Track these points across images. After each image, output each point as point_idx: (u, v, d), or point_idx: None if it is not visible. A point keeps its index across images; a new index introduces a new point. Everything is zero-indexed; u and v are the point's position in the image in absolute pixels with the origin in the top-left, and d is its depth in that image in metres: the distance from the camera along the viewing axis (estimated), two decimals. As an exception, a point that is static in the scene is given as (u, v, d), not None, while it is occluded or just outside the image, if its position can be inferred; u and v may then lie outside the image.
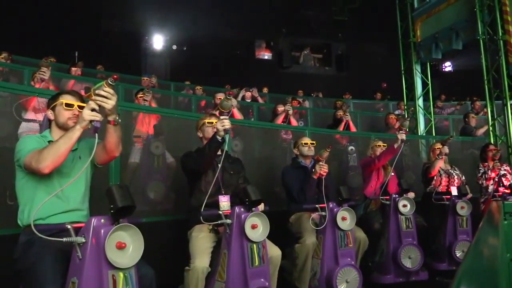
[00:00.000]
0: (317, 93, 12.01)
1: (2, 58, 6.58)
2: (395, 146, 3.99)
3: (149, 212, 3.73)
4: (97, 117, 1.96)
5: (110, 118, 2.06)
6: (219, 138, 2.77)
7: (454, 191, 4.29)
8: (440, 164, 4.52)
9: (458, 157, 6.25)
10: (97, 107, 1.96)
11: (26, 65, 6.52)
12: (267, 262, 2.60)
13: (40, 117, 3.49)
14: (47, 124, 2.39)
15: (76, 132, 2.00)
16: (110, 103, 1.97)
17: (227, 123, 2.74)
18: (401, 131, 4.00)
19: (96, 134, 1.97)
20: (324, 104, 10.85)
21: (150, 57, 13.35)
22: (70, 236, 1.82)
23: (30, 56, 7.95)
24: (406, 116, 8.13)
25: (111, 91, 1.96)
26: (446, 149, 4.42)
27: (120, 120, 2.11)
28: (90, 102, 1.97)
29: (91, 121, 1.97)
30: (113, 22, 11.96)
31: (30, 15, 10.14)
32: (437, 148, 4.65)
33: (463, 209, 4.12)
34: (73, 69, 7.18)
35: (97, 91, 1.97)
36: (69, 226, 1.85)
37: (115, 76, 1.96)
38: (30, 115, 3.61)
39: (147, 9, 11.95)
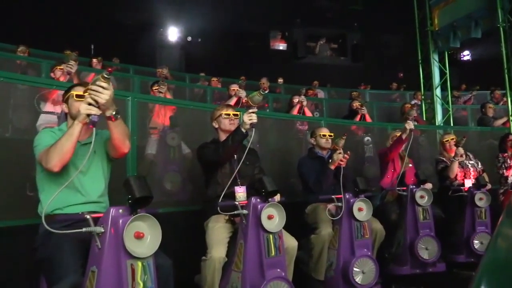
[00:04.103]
0: (333, 84, 11.92)
1: (20, 51, 6.68)
2: (403, 136, 3.94)
3: (166, 202, 3.76)
4: (93, 111, 1.93)
5: (107, 113, 2.00)
6: (243, 130, 2.77)
7: (468, 184, 4.21)
8: (457, 165, 4.40)
9: (476, 147, 6.14)
10: (93, 101, 1.93)
11: (43, 58, 6.61)
12: (283, 253, 2.61)
13: (58, 109, 3.54)
14: (64, 117, 2.43)
15: (76, 127, 2.01)
16: (103, 97, 1.91)
17: (254, 117, 2.73)
18: (408, 121, 3.95)
19: (94, 128, 1.95)
20: (339, 95, 10.76)
21: (165, 49, 13.39)
22: (89, 226, 1.85)
23: (47, 49, 8.05)
24: (419, 105, 8.04)
25: (104, 84, 1.90)
26: (461, 150, 4.29)
27: (119, 116, 2.05)
28: (86, 96, 1.96)
29: (88, 115, 1.94)
30: (128, 14, 12.01)
31: (46, 8, 10.23)
32: (445, 141, 4.57)
33: (481, 200, 4.06)
34: (94, 61, 7.29)
35: (90, 86, 1.94)
36: (88, 216, 1.87)
37: (109, 69, 1.90)
38: (48, 107, 3.66)
39: (162, 1, 11.96)
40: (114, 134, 2.13)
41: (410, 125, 3.90)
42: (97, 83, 1.91)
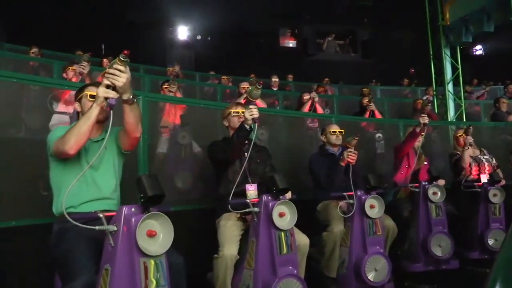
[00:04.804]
0: (343, 80, 11.86)
1: (32, 53, 6.78)
2: (417, 129, 3.92)
3: (177, 201, 3.76)
4: (111, 94, 1.94)
5: (124, 96, 2.01)
6: (247, 126, 2.78)
7: (483, 179, 4.17)
8: (469, 154, 4.37)
9: (490, 143, 6.06)
10: (111, 84, 1.95)
11: (55, 59, 6.69)
12: (295, 250, 2.60)
13: (70, 109, 3.58)
14: (76, 116, 2.45)
15: (94, 110, 2.02)
16: (120, 80, 1.92)
17: (255, 112, 2.73)
18: (422, 115, 3.93)
19: (111, 112, 1.95)
20: (350, 91, 10.70)
21: (175, 48, 13.44)
22: (102, 224, 1.86)
23: (58, 49, 8.14)
24: (431, 100, 7.95)
25: (121, 67, 1.91)
26: (470, 139, 4.26)
27: (135, 100, 2.06)
28: (104, 79, 1.96)
29: (106, 99, 1.96)
30: (137, 13, 12.09)
31: (57, 10, 10.34)
32: (459, 136, 4.52)
33: (495, 196, 4.01)
34: (105, 61, 7.35)
35: (107, 69, 1.95)
36: (101, 215, 1.89)
37: (125, 51, 1.89)
38: (61, 107, 3.70)
39: (171, 0, 12.00)
40: (128, 118, 2.14)
41: (424, 119, 3.88)
42: (114, 66, 1.91)
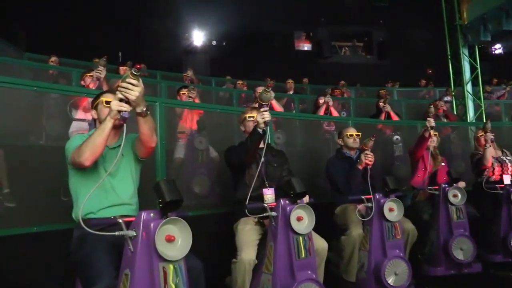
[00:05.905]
0: (359, 83, 11.78)
1: (52, 61, 6.91)
2: (426, 134, 3.88)
3: (195, 206, 3.79)
4: (124, 107, 1.96)
5: (138, 109, 2.03)
6: (259, 130, 2.78)
7: (506, 179, 4.08)
8: (491, 153, 4.29)
9: (511, 143, 5.95)
10: (124, 98, 1.96)
11: (73, 67, 6.81)
12: (313, 254, 2.59)
13: (89, 116, 3.62)
14: (94, 123, 2.49)
15: (108, 123, 2.04)
16: (133, 94, 1.93)
17: (267, 115, 2.74)
18: (428, 118, 3.89)
19: (125, 125, 1.98)
20: (368, 94, 10.61)
21: (191, 53, 13.54)
22: (122, 229, 1.88)
23: (76, 58, 8.28)
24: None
25: (134, 81, 1.93)
26: (490, 135, 4.19)
27: (149, 112, 2.08)
28: (117, 92, 1.98)
29: (119, 112, 1.98)
30: (153, 20, 12.22)
31: (75, 18, 10.52)
32: (480, 136, 4.44)
33: (519, 197, 3.92)
34: (121, 69, 7.42)
35: (120, 83, 1.96)
36: (120, 220, 1.91)
37: (138, 66, 1.93)
38: (80, 114, 3.76)
39: (186, 6, 12.11)
40: (143, 130, 2.16)
41: (430, 122, 3.85)
42: (127, 80, 1.93)
